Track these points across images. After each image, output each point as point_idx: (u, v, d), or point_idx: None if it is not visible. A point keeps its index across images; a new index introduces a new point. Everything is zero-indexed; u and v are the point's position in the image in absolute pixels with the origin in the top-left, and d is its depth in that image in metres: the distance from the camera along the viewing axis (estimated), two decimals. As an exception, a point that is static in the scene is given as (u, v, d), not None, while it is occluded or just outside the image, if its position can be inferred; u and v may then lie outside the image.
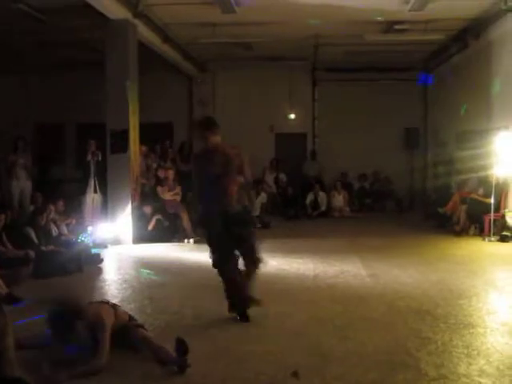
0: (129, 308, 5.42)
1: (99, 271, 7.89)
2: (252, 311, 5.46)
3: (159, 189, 10.83)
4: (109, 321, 4.31)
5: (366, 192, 15.37)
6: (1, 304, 3.75)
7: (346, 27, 11.70)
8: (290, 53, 14.23)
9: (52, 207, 8.67)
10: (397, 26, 11.50)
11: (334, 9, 10.49)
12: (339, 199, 14.42)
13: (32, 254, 7.40)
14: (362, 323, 5.23)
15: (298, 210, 13.93)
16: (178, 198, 10.88)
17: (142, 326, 4.63)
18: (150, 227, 10.31)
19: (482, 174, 10.81)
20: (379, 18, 11.06)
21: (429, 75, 15.42)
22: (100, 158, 10.47)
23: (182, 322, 5.35)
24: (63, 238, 8.61)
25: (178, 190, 10.92)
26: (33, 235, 7.81)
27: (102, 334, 4.16)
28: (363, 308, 5.78)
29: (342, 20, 11.22)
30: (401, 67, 15.21)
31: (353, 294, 6.40)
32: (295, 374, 3.93)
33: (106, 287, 6.97)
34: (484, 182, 10.61)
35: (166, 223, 10.48)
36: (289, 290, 6.64)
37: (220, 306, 5.69)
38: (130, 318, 4.68)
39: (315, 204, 14.14)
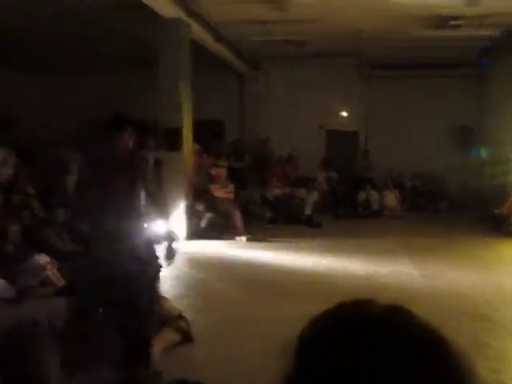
0: (181, 304, 5.48)
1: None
2: (303, 309, 5.47)
3: (212, 186, 10.94)
4: None
5: (419, 191, 15.11)
6: None
7: (399, 23, 11.52)
8: (342, 50, 14.11)
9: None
10: (452, 22, 11.26)
11: (388, 4, 10.35)
12: (391, 198, 14.24)
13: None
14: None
15: (348, 208, 13.83)
16: (231, 195, 10.97)
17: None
18: (203, 224, 10.44)
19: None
20: (433, 13, 10.85)
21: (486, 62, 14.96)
22: (158, 156, 10.58)
23: (233, 319, 5.39)
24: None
25: (231, 187, 11.01)
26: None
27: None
28: (415, 308, 5.58)
29: (395, 16, 11.04)
30: (454, 63, 14.88)
31: (405, 294, 6.27)
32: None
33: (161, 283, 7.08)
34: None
35: (219, 220, 10.59)
36: (339, 289, 6.57)
37: (274, 303, 5.75)
38: (180, 315, 4.73)
39: (366, 203, 14.01)
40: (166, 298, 4.87)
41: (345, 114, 16.04)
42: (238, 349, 4.54)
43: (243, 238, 10.19)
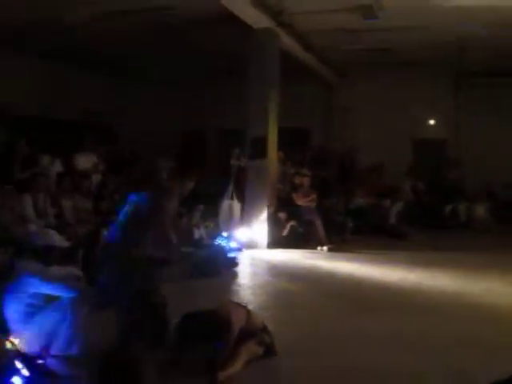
0: (264, 316, 5.37)
1: (235, 275, 8.02)
2: (391, 327, 5.31)
3: (294, 195, 10.87)
4: (237, 324, 4.33)
5: (512, 203, 14.31)
6: None
7: (495, 29, 11.02)
8: (431, 57, 13.71)
9: (197, 213, 9.06)
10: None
11: (483, 10, 9.94)
12: (481, 210, 13.61)
13: (173, 255, 7.71)
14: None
15: (436, 219, 13.34)
16: (313, 204, 10.84)
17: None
18: (285, 233, 10.39)
19: None
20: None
21: None
22: (243, 165, 10.71)
23: (320, 334, 5.24)
24: (204, 241, 8.95)
25: (313, 196, 10.89)
26: (173, 237, 8.14)
27: (226, 335, 4.20)
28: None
29: (490, 22, 10.59)
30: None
31: (503, 314, 5.96)
32: None
33: (242, 292, 7.06)
34: None
35: (301, 229, 10.51)
36: (429, 305, 6.33)
37: (360, 319, 5.60)
38: (264, 327, 4.68)
39: (455, 214, 13.47)
40: (251, 310, 4.82)
41: (433, 122, 15.56)
42: (328, 367, 4.40)
43: (325, 248, 10.06)
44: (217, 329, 4.19)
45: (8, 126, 9.76)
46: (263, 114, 10.16)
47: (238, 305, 4.81)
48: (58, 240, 4.78)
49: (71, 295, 4.27)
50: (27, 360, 3.84)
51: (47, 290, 4.31)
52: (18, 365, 3.68)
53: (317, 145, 15.56)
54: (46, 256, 4.67)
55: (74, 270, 6.07)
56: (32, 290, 4.30)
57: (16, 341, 4.08)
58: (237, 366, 4.12)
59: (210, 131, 16.50)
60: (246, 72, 10.32)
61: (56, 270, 5.40)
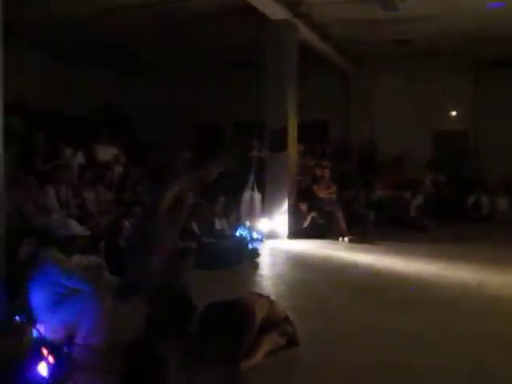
0: (285, 306, 5.35)
1: (256, 265, 8.07)
2: (412, 321, 5.29)
3: (315, 187, 10.87)
4: (259, 314, 4.34)
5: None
6: None
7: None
8: (451, 47, 13.54)
9: (219, 204, 9.13)
10: None
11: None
12: (503, 202, 13.48)
13: (194, 245, 7.77)
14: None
15: (457, 212, 13.21)
16: (333, 196, 10.84)
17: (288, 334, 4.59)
18: (306, 224, 10.42)
19: None
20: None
21: None
22: (263, 156, 10.74)
23: (339, 326, 5.22)
24: (225, 232, 9.01)
25: (333, 188, 10.89)
26: (195, 228, 8.20)
27: (249, 325, 4.21)
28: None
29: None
30: None
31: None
32: None
33: (264, 282, 7.10)
34: None
35: (321, 220, 10.53)
36: (449, 298, 6.28)
37: (380, 312, 5.58)
38: (287, 318, 4.69)
39: (476, 207, 13.35)
40: (274, 300, 4.84)
41: (454, 113, 15.40)
42: (349, 360, 4.38)
43: (346, 239, 10.07)
44: (240, 319, 4.21)
45: (24, 118, 9.81)
46: (282, 107, 10.15)
47: (261, 295, 4.82)
48: (79, 231, 4.81)
49: (91, 288, 4.32)
50: (53, 348, 3.90)
51: (68, 283, 4.36)
52: (44, 352, 3.74)
53: (336, 137, 15.49)
54: (68, 246, 4.69)
55: (97, 259, 6.15)
56: (55, 279, 4.35)
57: (42, 329, 4.15)
58: (259, 357, 4.14)
59: (225, 123, 16.45)
60: (261, 63, 10.32)
61: (78, 259, 5.47)
